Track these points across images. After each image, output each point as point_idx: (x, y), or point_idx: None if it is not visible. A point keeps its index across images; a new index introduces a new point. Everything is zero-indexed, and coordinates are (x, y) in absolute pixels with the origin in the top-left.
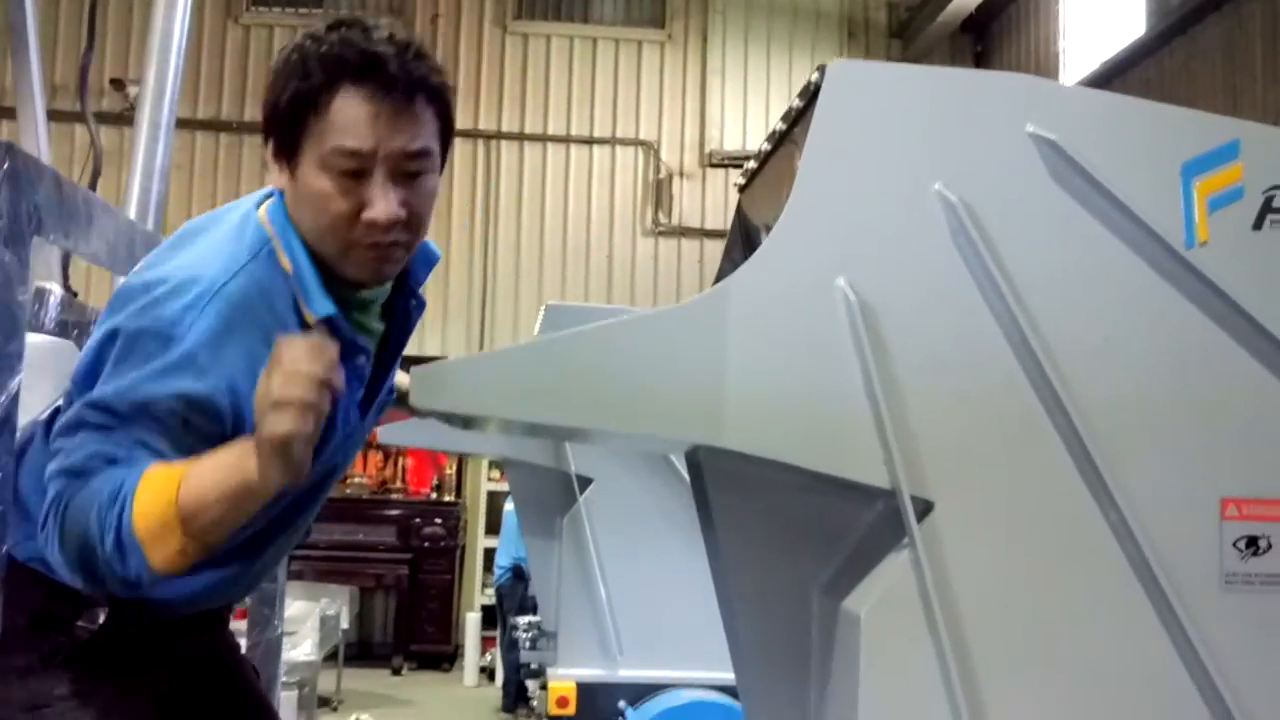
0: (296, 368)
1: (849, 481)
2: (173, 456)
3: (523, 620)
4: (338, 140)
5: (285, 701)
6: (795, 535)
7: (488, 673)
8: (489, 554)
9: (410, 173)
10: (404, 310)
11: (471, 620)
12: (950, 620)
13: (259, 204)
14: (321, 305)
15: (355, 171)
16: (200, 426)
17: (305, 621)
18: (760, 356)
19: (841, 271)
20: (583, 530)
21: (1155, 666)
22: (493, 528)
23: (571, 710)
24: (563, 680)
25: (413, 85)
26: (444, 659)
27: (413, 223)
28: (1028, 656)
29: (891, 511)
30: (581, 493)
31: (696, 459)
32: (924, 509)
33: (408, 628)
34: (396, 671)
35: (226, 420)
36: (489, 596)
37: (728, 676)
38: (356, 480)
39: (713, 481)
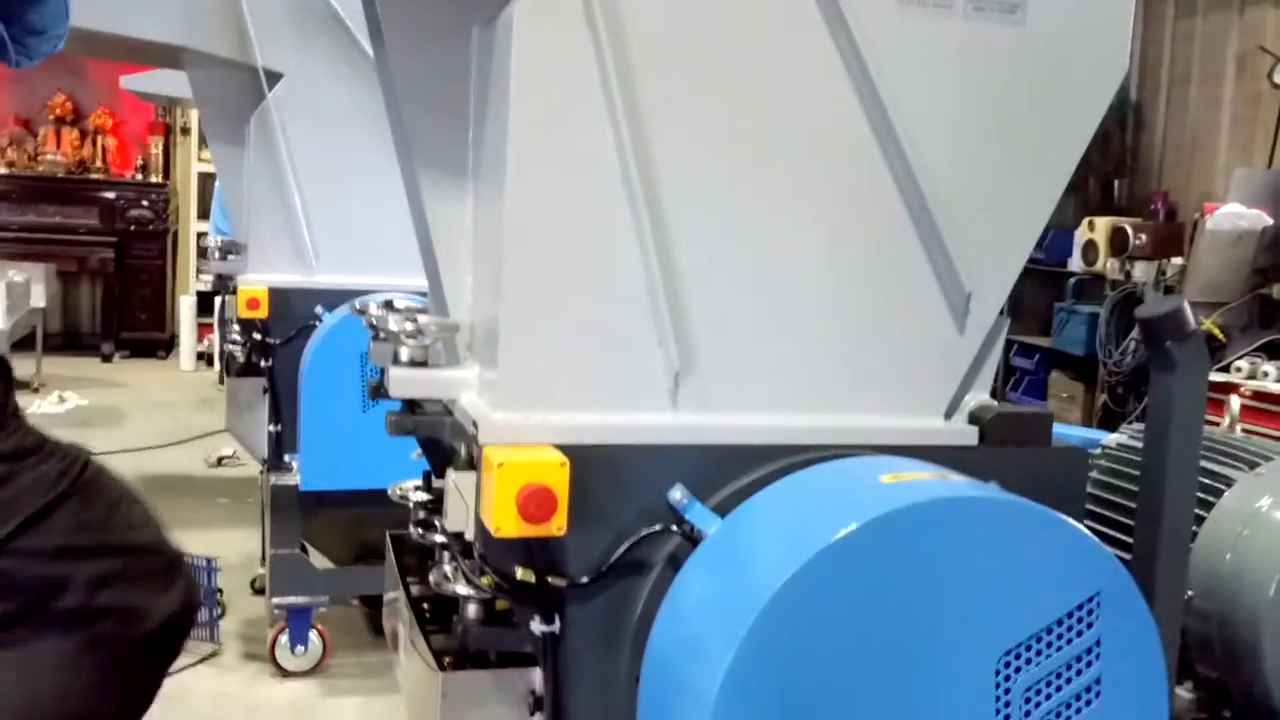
0: None
1: None
2: None
3: (215, 237)
4: None
5: None
6: None
7: (206, 358)
8: (202, 238)
9: None
10: None
11: (186, 304)
12: (609, 14)
13: None
14: None
15: None
16: None
17: None
18: None
19: None
20: (273, 129)
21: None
22: (205, 211)
23: (263, 312)
24: (253, 284)
25: None
26: (159, 346)
27: None
28: (685, 54)
29: None
30: (270, 90)
31: None
32: None
33: (118, 314)
34: (107, 359)
35: None
36: (205, 282)
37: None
38: (50, 158)
39: None
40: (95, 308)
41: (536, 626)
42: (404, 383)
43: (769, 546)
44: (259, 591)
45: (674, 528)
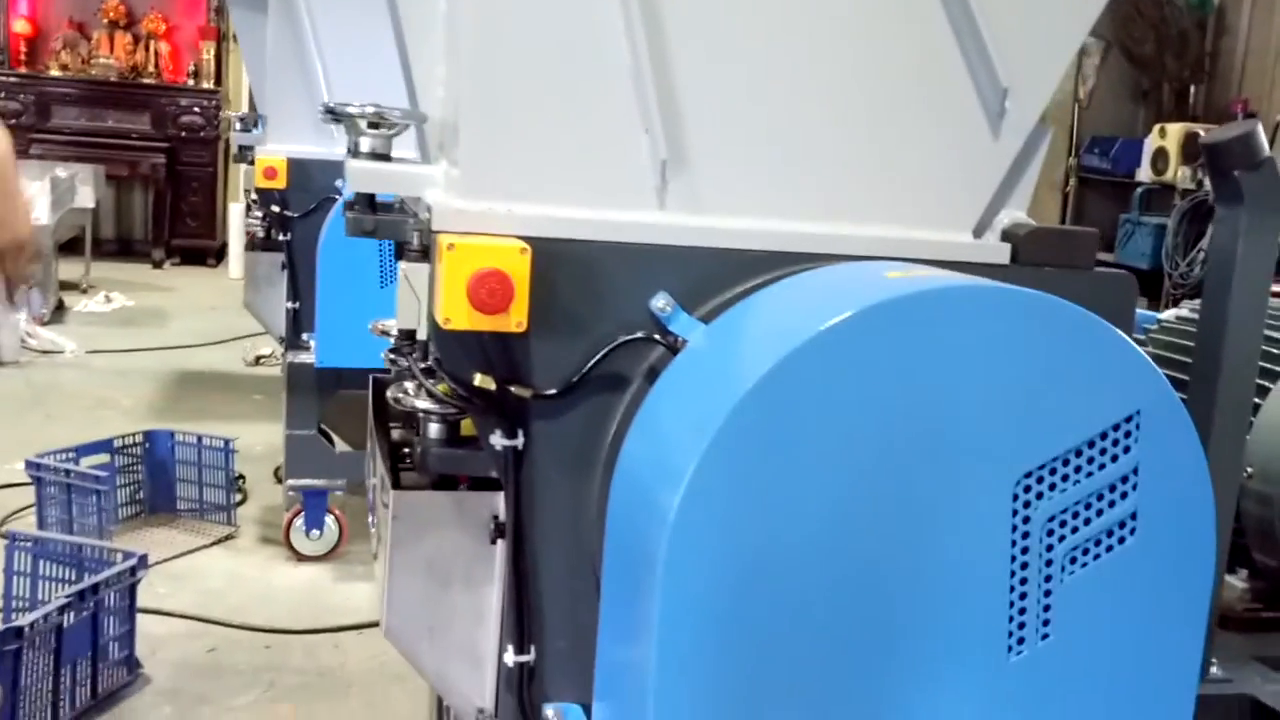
0: None
1: None
2: None
3: (234, 114)
4: None
5: None
6: None
7: None
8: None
9: None
10: None
11: (236, 212)
12: None
13: None
14: None
15: None
16: None
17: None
18: None
19: None
20: None
21: None
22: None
23: (281, 183)
24: (271, 154)
25: None
26: (209, 254)
27: None
28: None
29: None
30: None
31: None
32: None
33: (169, 220)
34: (158, 265)
35: None
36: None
37: None
38: (103, 61)
39: None
40: (147, 214)
41: (498, 440)
42: (362, 175)
43: (750, 345)
44: (282, 480)
45: (655, 337)
